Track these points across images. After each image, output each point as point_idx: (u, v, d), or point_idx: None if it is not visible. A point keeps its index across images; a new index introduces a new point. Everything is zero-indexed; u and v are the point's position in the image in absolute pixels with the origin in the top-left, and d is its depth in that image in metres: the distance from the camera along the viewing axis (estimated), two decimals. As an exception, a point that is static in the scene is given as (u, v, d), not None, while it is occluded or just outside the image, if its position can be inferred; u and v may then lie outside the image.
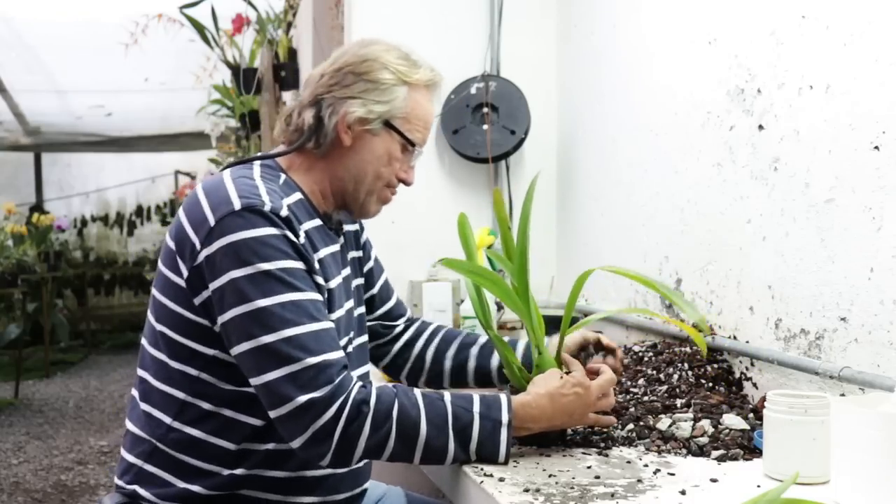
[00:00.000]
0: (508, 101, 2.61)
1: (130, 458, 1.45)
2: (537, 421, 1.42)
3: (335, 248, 1.54)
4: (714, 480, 1.32)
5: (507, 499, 1.21)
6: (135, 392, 1.49)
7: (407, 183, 1.58)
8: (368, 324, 1.73)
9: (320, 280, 1.41)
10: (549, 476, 1.32)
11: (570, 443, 1.50)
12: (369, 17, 2.62)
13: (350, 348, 1.54)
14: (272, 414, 1.33)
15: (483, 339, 1.74)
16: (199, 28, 3.81)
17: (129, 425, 1.48)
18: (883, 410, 1.19)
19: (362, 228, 1.74)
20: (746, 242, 1.78)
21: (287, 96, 4.10)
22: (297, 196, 1.48)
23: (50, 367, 7.34)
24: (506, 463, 1.37)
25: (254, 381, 1.33)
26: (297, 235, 1.38)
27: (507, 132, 2.61)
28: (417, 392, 1.38)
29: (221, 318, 1.34)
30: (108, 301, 9.64)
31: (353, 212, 1.57)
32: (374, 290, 1.75)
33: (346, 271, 1.58)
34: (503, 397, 1.40)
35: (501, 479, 1.30)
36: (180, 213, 1.42)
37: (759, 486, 1.28)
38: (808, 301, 1.60)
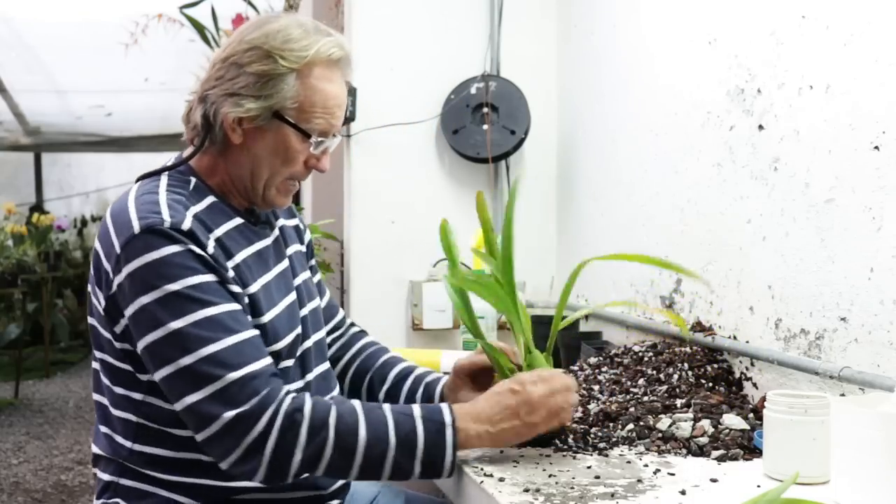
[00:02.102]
0: (508, 101, 2.61)
1: (106, 477, 1.43)
2: (479, 420, 1.34)
3: (264, 243, 1.48)
4: (714, 480, 1.32)
5: (507, 499, 1.21)
6: (96, 414, 1.46)
7: (320, 170, 1.47)
8: None
9: (236, 289, 1.35)
10: (549, 476, 1.32)
11: (569, 442, 1.50)
12: (369, 17, 2.62)
13: (308, 344, 1.49)
14: (200, 437, 1.28)
15: (392, 375, 1.64)
16: (199, 28, 3.81)
17: (94, 448, 1.46)
18: (883, 410, 1.20)
19: (304, 226, 1.68)
20: (746, 242, 1.78)
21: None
22: (210, 200, 1.42)
23: (50, 367, 7.34)
24: (450, 474, 1.32)
25: (178, 405, 1.29)
26: (203, 247, 1.32)
27: (507, 132, 2.61)
28: (355, 401, 1.34)
29: (139, 346, 1.31)
30: (108, 301, 9.61)
31: (258, 205, 1.48)
32: None
33: (283, 265, 1.51)
34: (443, 404, 1.36)
35: (501, 479, 1.29)
36: (95, 241, 1.39)
37: (759, 486, 1.28)
38: (808, 301, 1.60)
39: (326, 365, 1.57)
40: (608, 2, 2.41)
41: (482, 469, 1.35)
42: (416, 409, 1.34)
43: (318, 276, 1.70)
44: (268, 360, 1.32)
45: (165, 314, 1.28)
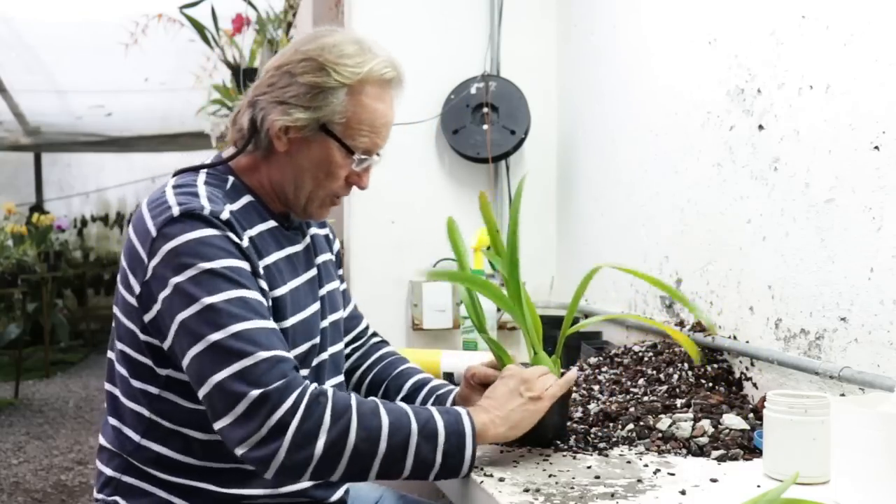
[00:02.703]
0: (508, 101, 2.61)
1: (108, 472, 1.43)
2: (488, 410, 1.35)
3: (295, 249, 1.49)
4: (714, 480, 1.32)
5: (507, 499, 1.21)
6: (105, 405, 1.46)
7: (360, 187, 1.48)
8: None
9: (264, 286, 1.35)
10: (549, 476, 1.32)
11: (569, 443, 1.50)
12: (369, 17, 2.62)
13: (325, 356, 1.49)
14: (222, 421, 1.25)
15: (407, 385, 1.64)
16: (199, 28, 3.81)
17: (102, 440, 1.46)
18: (883, 410, 1.20)
19: (334, 235, 1.69)
20: (746, 242, 1.78)
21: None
22: (247, 199, 1.43)
23: (50, 367, 7.34)
24: (469, 472, 1.30)
25: (205, 387, 1.26)
26: (240, 237, 1.34)
27: (507, 132, 2.61)
28: (372, 397, 1.34)
29: (172, 327, 1.29)
30: (108, 301, 9.62)
31: (297, 215, 1.50)
32: None
33: (311, 273, 1.51)
34: (462, 409, 1.35)
35: (501, 479, 1.30)
36: (129, 230, 1.39)
37: (759, 486, 1.28)
38: (808, 301, 1.60)
39: (340, 378, 1.57)
40: (608, 2, 2.41)
41: (482, 469, 1.35)
42: (431, 406, 1.35)
43: (343, 286, 1.71)
44: (291, 355, 1.32)
45: (200, 290, 1.27)
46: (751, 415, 1.58)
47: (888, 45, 1.41)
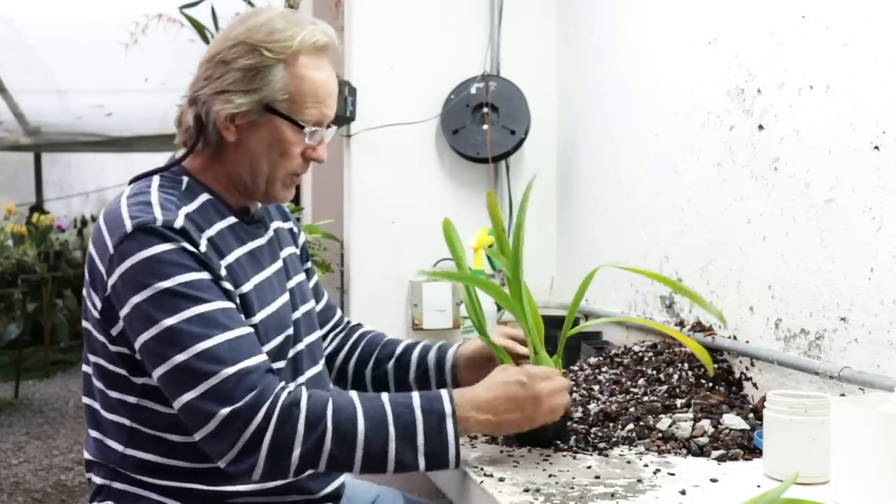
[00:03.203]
0: (508, 101, 2.61)
1: (99, 481, 1.42)
2: (481, 410, 1.33)
3: (258, 242, 1.47)
4: (714, 480, 1.32)
5: (507, 499, 1.21)
6: (86, 419, 1.46)
7: (318, 161, 1.45)
8: None
9: (228, 286, 1.34)
10: (549, 476, 1.32)
11: (569, 443, 1.50)
12: (369, 17, 2.62)
13: (301, 347, 1.49)
14: (198, 436, 1.27)
15: (399, 349, 1.66)
16: (199, 28, 3.81)
17: (86, 454, 1.46)
18: (883, 410, 1.20)
19: (299, 228, 1.67)
20: (746, 242, 1.78)
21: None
22: (204, 198, 1.41)
23: (50, 367, 7.34)
24: (457, 465, 1.30)
25: (175, 404, 1.28)
26: (196, 245, 1.32)
27: (507, 132, 2.61)
28: (353, 393, 1.32)
29: (136, 345, 1.30)
30: (109, 301, 9.61)
31: (261, 202, 1.48)
32: None
33: (277, 265, 1.50)
34: (443, 391, 1.34)
35: (501, 479, 1.30)
36: (90, 244, 1.38)
37: (759, 486, 1.28)
38: (808, 301, 1.60)
39: (319, 367, 1.56)
40: (608, 2, 2.41)
41: (482, 469, 1.35)
42: (416, 398, 1.32)
43: (314, 279, 1.70)
44: (262, 357, 1.31)
45: (158, 312, 1.27)
46: (751, 415, 1.58)
47: (888, 45, 1.41)
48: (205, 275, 1.31)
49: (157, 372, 1.28)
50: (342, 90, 2.48)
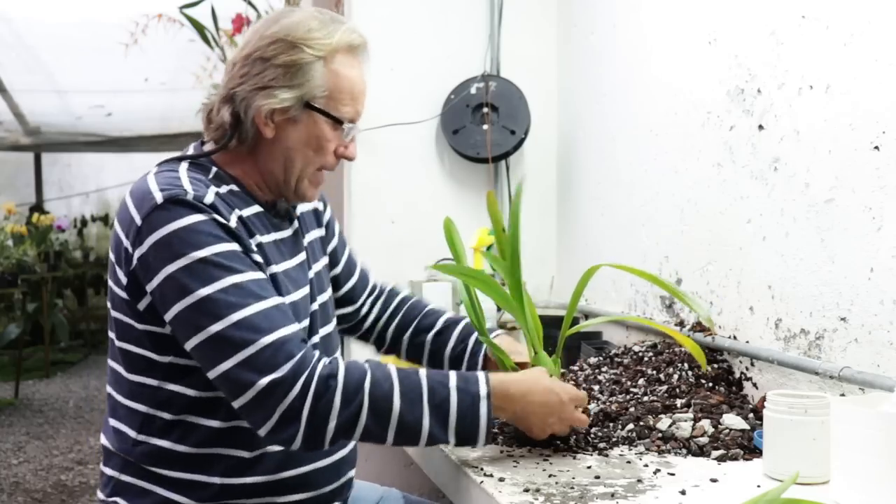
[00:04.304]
0: (508, 101, 2.61)
1: (108, 472, 1.43)
2: (513, 400, 1.37)
3: (283, 234, 1.49)
4: (714, 480, 1.32)
5: (507, 499, 1.21)
6: (107, 406, 1.48)
7: (349, 158, 1.48)
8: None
9: (259, 259, 1.36)
10: (549, 476, 1.32)
11: (569, 443, 1.50)
12: (369, 17, 2.62)
13: (315, 339, 1.50)
14: (236, 404, 1.28)
15: (440, 323, 1.70)
16: (199, 28, 3.81)
17: (103, 439, 1.47)
18: (883, 410, 1.19)
19: (325, 204, 1.69)
20: (746, 242, 1.78)
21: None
22: (230, 186, 1.42)
23: (50, 367, 7.34)
24: (486, 442, 1.33)
25: (211, 373, 1.28)
26: (226, 219, 1.33)
27: (507, 132, 2.61)
28: (391, 366, 1.34)
29: (167, 317, 1.30)
30: (108, 301, 9.61)
31: (289, 199, 1.50)
32: (338, 270, 1.70)
33: (300, 258, 1.51)
34: (480, 373, 1.37)
35: (501, 479, 1.30)
36: (115, 222, 1.39)
37: (759, 486, 1.28)
38: (808, 301, 1.60)
39: (334, 356, 1.57)
40: (608, 2, 2.41)
41: (482, 469, 1.35)
42: (453, 377, 1.34)
43: (346, 252, 1.73)
44: (297, 326, 1.32)
45: (193, 281, 1.27)
46: (751, 415, 1.57)
47: (888, 45, 1.41)
48: (236, 246, 1.32)
49: (192, 342, 1.28)
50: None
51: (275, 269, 1.41)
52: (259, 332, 1.26)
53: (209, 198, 1.33)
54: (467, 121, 2.60)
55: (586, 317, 2.42)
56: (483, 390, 1.33)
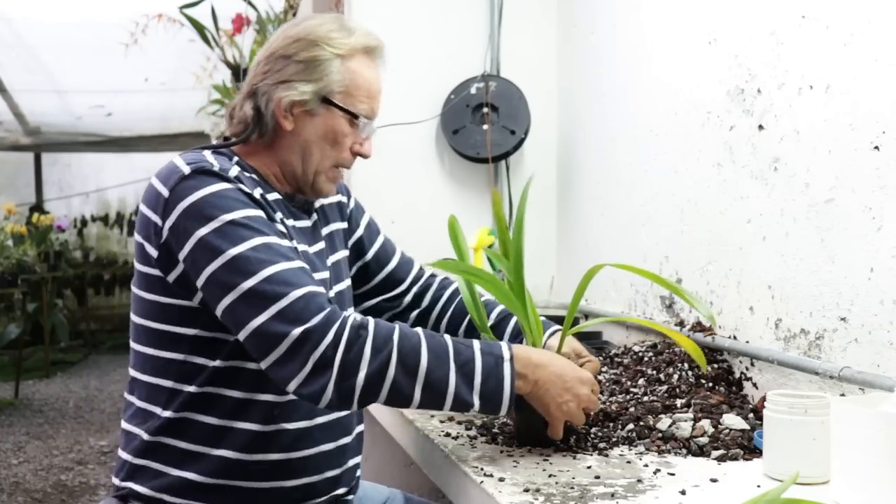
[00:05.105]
0: (508, 101, 2.61)
1: (125, 456, 1.46)
2: (535, 366, 1.37)
3: (302, 223, 1.54)
4: (714, 480, 1.32)
5: (507, 499, 1.21)
6: (127, 393, 1.50)
7: (364, 156, 1.54)
8: (374, 302, 1.73)
9: (282, 228, 1.41)
10: (549, 476, 1.32)
11: (569, 442, 1.50)
12: (369, 18, 2.62)
13: None
14: (269, 359, 1.29)
15: (494, 315, 1.70)
16: (199, 28, 3.81)
17: (124, 424, 1.49)
18: (883, 410, 1.19)
19: (349, 197, 1.72)
20: (746, 242, 1.78)
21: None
22: (251, 175, 1.48)
23: (50, 367, 7.34)
24: (509, 408, 1.34)
25: (244, 332, 1.31)
26: (250, 193, 1.39)
27: (507, 132, 2.61)
28: (417, 328, 1.37)
29: (199, 281, 1.34)
30: (108, 301, 9.63)
31: (307, 193, 1.54)
32: (367, 257, 1.72)
33: (319, 246, 1.56)
34: (503, 342, 1.40)
35: (501, 479, 1.30)
36: (140, 205, 1.44)
37: (759, 486, 1.28)
38: (808, 301, 1.60)
39: None
40: (608, 2, 2.41)
41: (482, 469, 1.35)
42: (476, 343, 1.37)
43: (380, 240, 1.75)
44: (323, 288, 1.36)
45: (224, 242, 1.32)
46: (751, 415, 1.57)
47: (888, 45, 1.41)
48: (262, 214, 1.38)
49: (225, 302, 1.32)
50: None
51: (298, 247, 1.45)
52: (290, 285, 1.30)
53: (233, 172, 1.40)
54: (467, 121, 2.60)
55: (586, 317, 2.42)
56: (507, 353, 1.35)
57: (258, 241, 1.33)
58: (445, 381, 1.32)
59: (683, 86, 2.01)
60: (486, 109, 2.60)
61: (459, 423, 1.65)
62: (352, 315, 1.33)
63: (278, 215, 1.45)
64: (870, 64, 1.45)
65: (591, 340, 2.24)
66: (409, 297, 1.76)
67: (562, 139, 2.71)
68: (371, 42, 1.51)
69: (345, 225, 1.69)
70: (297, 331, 1.28)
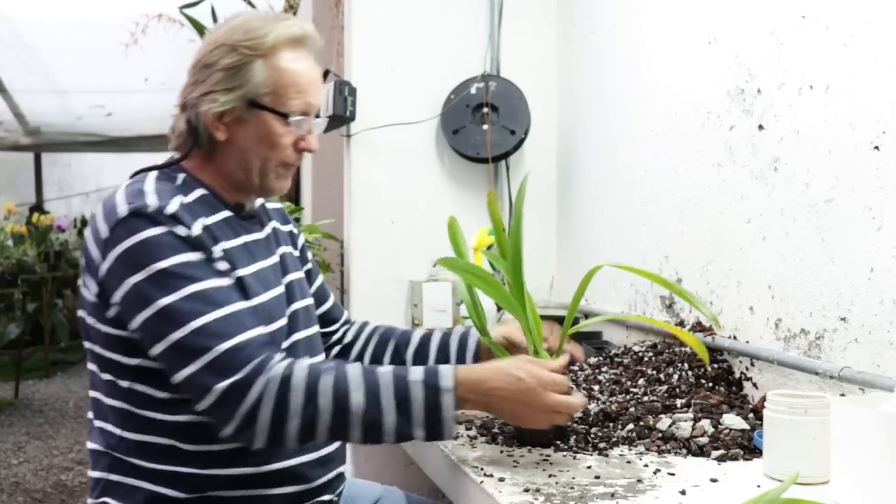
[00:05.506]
0: (508, 101, 2.61)
1: (96, 475, 1.44)
2: (477, 391, 1.33)
3: (255, 236, 1.51)
4: (714, 480, 1.32)
5: (507, 499, 1.21)
6: (89, 412, 1.49)
7: (308, 150, 1.49)
8: None
9: (224, 266, 1.38)
10: (549, 476, 1.32)
11: (569, 443, 1.50)
12: (369, 17, 2.62)
13: (298, 337, 1.51)
14: (199, 408, 1.31)
15: (417, 337, 1.70)
16: (199, 28, 3.81)
17: (89, 444, 1.48)
18: (883, 410, 1.19)
19: (298, 231, 1.71)
20: (746, 242, 1.78)
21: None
22: (199, 192, 1.45)
23: (50, 367, 7.33)
24: (455, 437, 1.33)
25: (175, 378, 1.31)
26: (189, 228, 1.35)
27: (507, 132, 2.61)
28: (356, 365, 1.34)
29: (132, 326, 1.34)
30: (108, 301, 9.60)
31: (257, 195, 1.52)
32: (311, 291, 1.70)
33: (273, 260, 1.53)
34: (447, 366, 1.35)
35: (501, 479, 1.30)
36: (86, 231, 1.43)
37: (759, 486, 1.28)
38: (808, 301, 1.60)
39: (319, 358, 1.57)
40: (608, 2, 2.41)
41: (482, 469, 1.35)
42: (418, 372, 1.34)
43: (319, 280, 1.73)
44: (258, 331, 1.34)
45: (154, 291, 1.31)
46: (751, 415, 1.58)
47: (888, 45, 1.41)
48: (198, 255, 1.35)
49: (156, 350, 1.32)
50: (342, 90, 2.48)
51: (242, 272, 1.42)
52: (218, 337, 1.29)
53: (171, 208, 1.36)
54: (467, 121, 2.60)
55: (586, 316, 2.42)
56: (448, 382, 1.32)
57: (190, 289, 1.31)
58: (383, 419, 1.30)
59: (683, 86, 2.01)
60: (486, 109, 2.60)
61: (459, 423, 1.65)
62: (282, 363, 1.31)
63: (221, 245, 1.40)
64: (870, 64, 1.45)
65: (592, 340, 2.24)
66: (337, 335, 1.75)
67: (562, 139, 2.71)
68: (295, 32, 1.44)
69: (296, 253, 1.67)
70: (223, 385, 1.27)
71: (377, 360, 1.71)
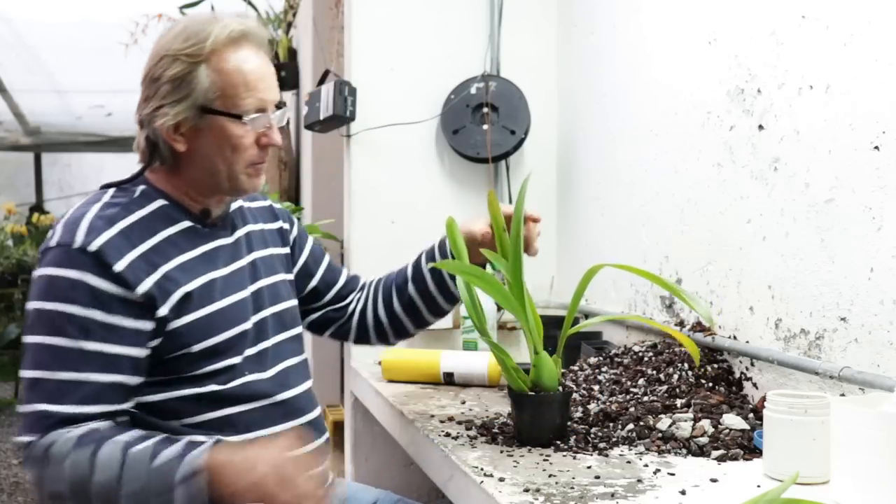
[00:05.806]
0: (508, 101, 2.61)
1: None
2: (226, 486, 1.26)
3: (217, 244, 1.50)
4: (714, 480, 1.32)
5: (507, 499, 1.21)
6: None
7: (272, 145, 1.48)
8: (320, 313, 1.75)
9: (129, 322, 1.35)
10: (549, 476, 1.32)
11: (569, 443, 1.50)
12: (369, 17, 2.62)
13: (267, 345, 1.51)
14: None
15: (410, 271, 1.76)
16: (199, 28, 3.81)
17: None
18: (883, 410, 1.19)
19: (292, 224, 1.71)
20: (746, 242, 1.78)
21: (287, 96, 4.10)
22: (157, 205, 1.45)
23: (50, 367, 7.33)
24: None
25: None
26: (108, 268, 1.34)
27: (507, 132, 2.61)
28: (109, 445, 1.29)
29: None
30: (108, 301, 9.61)
31: (230, 196, 1.52)
32: (315, 282, 1.74)
33: (237, 265, 1.52)
34: (200, 460, 1.27)
35: (501, 479, 1.30)
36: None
37: (759, 486, 1.28)
38: (808, 301, 1.60)
39: (294, 359, 1.57)
40: (608, 2, 2.41)
41: (482, 469, 1.35)
42: (160, 459, 1.28)
43: (326, 259, 1.78)
44: (75, 409, 1.34)
45: (31, 325, 1.36)
46: (751, 415, 1.58)
47: (888, 45, 1.41)
48: (91, 313, 1.34)
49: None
50: (342, 90, 2.48)
51: (188, 287, 1.41)
52: (39, 398, 1.34)
53: (97, 243, 1.35)
54: (467, 121, 2.60)
55: (586, 316, 2.42)
56: (179, 477, 1.26)
57: (48, 340, 1.34)
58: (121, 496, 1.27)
59: (683, 86, 2.01)
60: (486, 109, 2.60)
61: (459, 423, 1.65)
62: (54, 443, 1.31)
63: (171, 263, 1.40)
64: (870, 64, 1.45)
65: (592, 340, 2.24)
66: (351, 306, 1.79)
67: (562, 139, 2.71)
68: (234, 30, 1.42)
69: (286, 251, 1.66)
70: (21, 439, 1.36)
71: (392, 316, 1.76)
